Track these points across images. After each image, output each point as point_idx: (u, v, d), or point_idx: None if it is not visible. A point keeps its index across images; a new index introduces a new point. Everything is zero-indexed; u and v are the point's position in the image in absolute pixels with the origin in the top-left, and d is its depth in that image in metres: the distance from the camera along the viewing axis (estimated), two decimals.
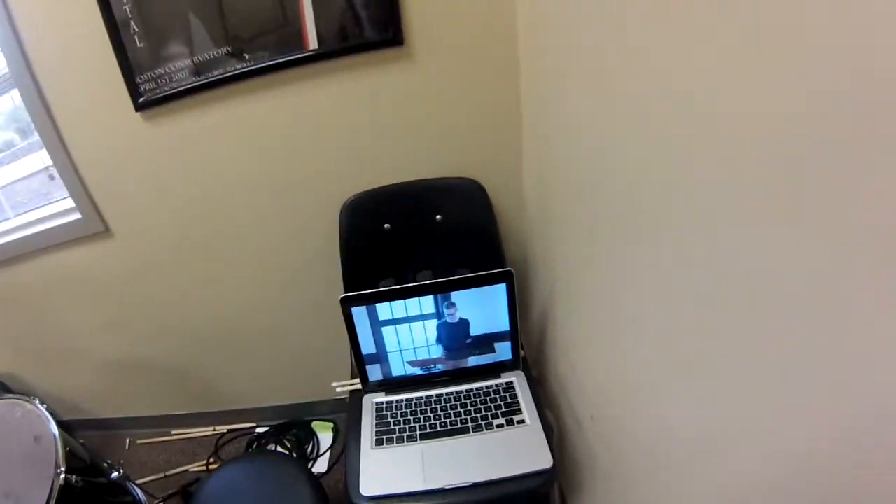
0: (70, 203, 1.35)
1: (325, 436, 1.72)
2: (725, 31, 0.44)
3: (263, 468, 1.21)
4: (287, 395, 1.75)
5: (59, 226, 1.38)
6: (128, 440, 1.83)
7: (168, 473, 1.69)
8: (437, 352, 1.19)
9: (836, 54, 0.34)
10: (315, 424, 1.75)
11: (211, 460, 1.72)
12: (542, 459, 1.01)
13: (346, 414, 1.47)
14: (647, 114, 0.61)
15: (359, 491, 1.02)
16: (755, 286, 0.46)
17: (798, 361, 0.42)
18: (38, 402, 1.26)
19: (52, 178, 1.49)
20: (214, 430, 1.81)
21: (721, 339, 0.54)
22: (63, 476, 1.13)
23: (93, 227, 1.36)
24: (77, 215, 1.35)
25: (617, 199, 0.75)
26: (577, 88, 0.85)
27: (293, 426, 1.76)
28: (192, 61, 1.16)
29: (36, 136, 1.28)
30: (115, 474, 1.33)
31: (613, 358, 0.90)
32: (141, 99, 1.19)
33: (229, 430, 1.80)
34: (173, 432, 1.83)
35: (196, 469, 1.71)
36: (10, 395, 1.29)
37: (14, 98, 1.37)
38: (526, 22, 1.09)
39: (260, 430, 1.78)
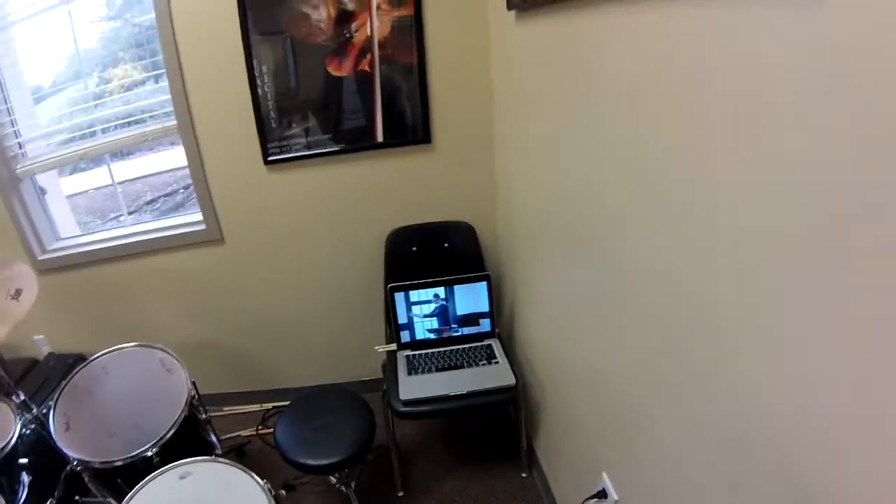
0: (198, 217, 2.02)
1: None
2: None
3: (326, 395, 1.89)
4: (322, 378, 2.36)
5: (187, 232, 2.05)
6: None
7: (223, 437, 2.20)
8: (443, 324, 1.95)
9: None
10: None
11: (259, 428, 2.27)
12: (509, 380, 1.77)
13: (369, 394, 2.12)
14: (558, 201, 1.44)
15: (399, 397, 1.73)
16: (623, 290, 1.27)
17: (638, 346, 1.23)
18: (162, 346, 1.85)
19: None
20: (262, 406, 2.38)
21: (608, 317, 1.29)
22: (192, 393, 1.74)
23: (212, 235, 2.04)
24: (202, 226, 2.03)
25: (548, 240, 1.57)
26: (526, 177, 1.70)
27: None
28: (306, 140, 1.93)
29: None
30: (203, 416, 1.90)
31: (550, 328, 1.68)
32: (269, 157, 1.94)
33: (273, 407, 2.37)
34: (225, 409, 2.38)
35: (247, 434, 2.25)
36: (146, 343, 1.85)
37: None
38: (499, 139, 1.96)
39: None
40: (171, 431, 1.61)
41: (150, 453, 1.56)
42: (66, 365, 2.16)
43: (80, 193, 2.78)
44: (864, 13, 0.49)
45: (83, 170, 2.69)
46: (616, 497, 1.29)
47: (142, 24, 1.92)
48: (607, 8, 1.02)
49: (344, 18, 1.79)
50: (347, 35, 1.81)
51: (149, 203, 3.35)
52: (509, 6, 1.56)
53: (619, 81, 1.02)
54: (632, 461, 1.21)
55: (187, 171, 1.98)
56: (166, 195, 3.40)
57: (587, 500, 1.37)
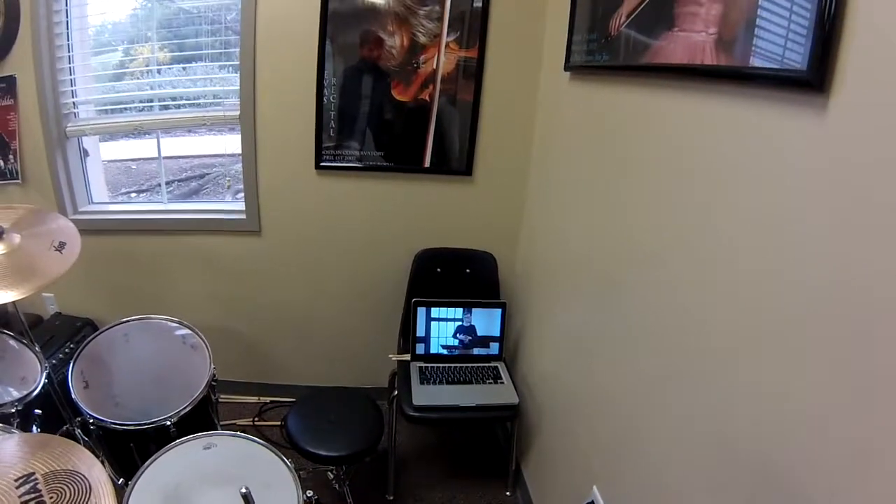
0: (241, 206, 2.12)
1: None
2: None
3: (338, 393, 1.97)
4: (325, 380, 2.36)
5: (225, 219, 2.13)
6: None
7: (221, 423, 2.23)
8: (456, 342, 2.08)
9: None
10: None
11: (256, 419, 2.31)
12: (511, 398, 1.91)
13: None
14: (577, 251, 1.63)
15: (412, 402, 1.84)
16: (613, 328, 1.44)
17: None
18: (186, 323, 1.91)
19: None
20: (259, 399, 2.41)
21: (617, 348, 1.50)
22: (214, 368, 1.80)
23: (251, 226, 2.13)
24: (243, 216, 2.12)
25: (568, 279, 1.74)
26: (554, 221, 1.88)
27: None
28: (359, 153, 2.08)
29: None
30: (215, 398, 1.94)
31: (558, 357, 1.84)
32: (321, 163, 2.07)
33: (272, 401, 2.40)
34: (222, 397, 2.39)
35: (243, 423, 2.28)
36: (167, 317, 1.90)
37: None
38: (533, 183, 2.15)
39: None
40: (190, 406, 1.65)
41: (168, 423, 1.61)
42: (74, 327, 2.17)
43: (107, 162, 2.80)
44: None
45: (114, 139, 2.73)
46: None
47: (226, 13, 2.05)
48: (650, 89, 1.27)
49: (415, 49, 1.97)
50: (415, 65, 1.99)
51: (166, 185, 3.37)
52: (567, 67, 1.77)
53: (653, 148, 1.25)
54: (622, 474, 1.37)
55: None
56: (181, 180, 3.44)
57: None
